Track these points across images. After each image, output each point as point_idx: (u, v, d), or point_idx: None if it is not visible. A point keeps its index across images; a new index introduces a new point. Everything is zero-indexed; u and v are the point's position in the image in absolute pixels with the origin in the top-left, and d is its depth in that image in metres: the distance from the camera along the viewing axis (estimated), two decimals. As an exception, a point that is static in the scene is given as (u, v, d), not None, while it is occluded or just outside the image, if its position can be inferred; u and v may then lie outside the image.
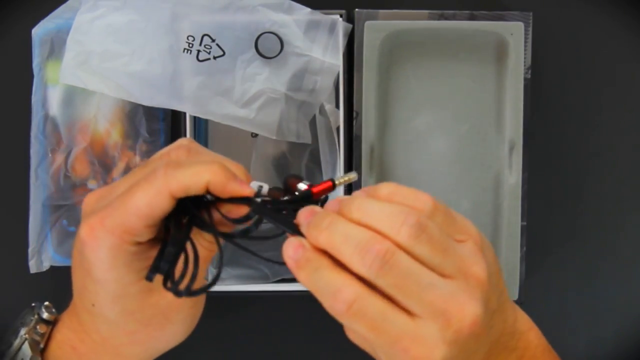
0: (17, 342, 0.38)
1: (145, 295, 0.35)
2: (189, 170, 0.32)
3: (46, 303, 0.40)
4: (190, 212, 0.33)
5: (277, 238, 0.54)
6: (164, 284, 0.32)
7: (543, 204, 0.55)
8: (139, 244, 0.33)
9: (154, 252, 0.34)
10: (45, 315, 0.40)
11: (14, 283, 0.54)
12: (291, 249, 0.32)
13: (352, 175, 0.35)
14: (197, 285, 0.32)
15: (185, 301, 0.36)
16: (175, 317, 0.37)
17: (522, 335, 0.37)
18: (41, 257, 0.52)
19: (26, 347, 0.38)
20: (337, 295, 0.31)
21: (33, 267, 0.52)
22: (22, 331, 0.38)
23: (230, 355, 0.56)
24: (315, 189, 0.34)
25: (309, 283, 0.32)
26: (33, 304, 0.40)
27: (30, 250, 0.51)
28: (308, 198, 0.34)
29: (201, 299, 0.38)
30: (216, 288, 0.50)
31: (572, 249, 0.56)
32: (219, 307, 0.55)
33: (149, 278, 0.32)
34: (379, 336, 0.31)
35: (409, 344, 0.31)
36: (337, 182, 0.34)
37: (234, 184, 0.33)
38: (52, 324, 0.39)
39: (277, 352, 0.56)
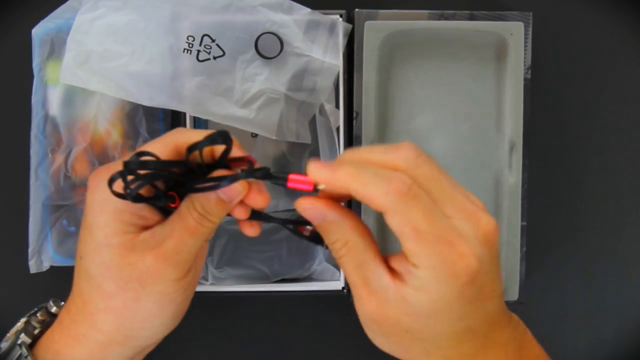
0: (15, 326, 0.39)
1: (125, 251, 0.35)
2: (195, 132, 0.36)
3: (54, 299, 0.41)
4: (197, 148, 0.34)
5: (275, 239, 0.53)
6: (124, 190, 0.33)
7: (543, 204, 0.55)
8: None
9: (145, 212, 0.35)
10: (53, 309, 0.41)
11: (14, 283, 0.54)
12: (318, 164, 0.33)
13: None
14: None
15: (163, 271, 0.35)
16: (151, 289, 0.35)
17: (519, 327, 0.37)
18: (41, 257, 0.52)
19: (21, 328, 0.39)
20: (394, 179, 0.32)
21: (33, 267, 0.51)
22: (23, 318, 0.40)
23: (230, 355, 0.56)
24: (292, 177, 0.34)
25: (353, 177, 0.32)
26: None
27: (30, 250, 0.51)
28: (283, 181, 0.35)
29: (184, 289, 0.37)
30: (216, 288, 0.51)
31: (572, 249, 0.56)
32: (219, 307, 0.55)
33: (109, 182, 0.33)
34: (430, 225, 0.31)
35: (454, 238, 0.32)
36: (320, 186, 0.34)
37: (235, 147, 0.35)
38: (56, 316, 0.40)
39: (276, 353, 0.56)
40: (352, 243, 0.34)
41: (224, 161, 0.35)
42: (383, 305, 0.33)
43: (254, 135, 0.53)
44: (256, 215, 0.37)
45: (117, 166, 0.33)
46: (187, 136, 0.36)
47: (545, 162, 0.55)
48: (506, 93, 0.52)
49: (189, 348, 0.56)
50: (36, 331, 0.39)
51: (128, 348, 0.37)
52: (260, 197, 0.36)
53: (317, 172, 0.33)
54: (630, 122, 0.56)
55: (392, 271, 0.34)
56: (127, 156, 0.33)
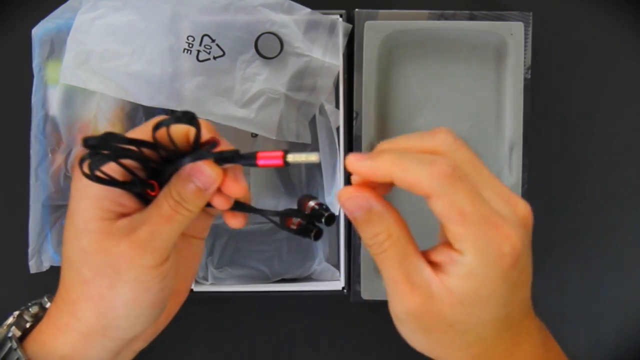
0: (8, 320, 0.39)
1: (102, 236, 0.35)
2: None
3: (49, 295, 0.40)
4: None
5: (275, 239, 0.53)
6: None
7: (543, 204, 0.55)
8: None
9: (125, 200, 0.35)
10: (48, 305, 0.40)
11: (14, 283, 0.54)
12: (358, 155, 0.33)
13: (312, 156, 0.34)
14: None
15: (137, 257, 0.35)
16: (126, 276, 0.35)
17: (542, 323, 0.37)
18: (41, 257, 0.52)
19: (12, 321, 0.38)
20: (437, 163, 0.32)
21: (33, 267, 0.51)
22: (16, 312, 0.39)
23: (230, 354, 0.56)
24: (261, 154, 0.34)
25: (395, 165, 0.32)
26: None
27: (30, 250, 0.51)
28: (252, 160, 0.35)
29: (161, 278, 0.36)
30: (216, 288, 0.51)
31: (572, 249, 0.57)
32: (219, 306, 0.56)
33: (79, 162, 0.33)
34: (475, 207, 0.31)
35: (498, 220, 0.32)
36: (291, 157, 0.34)
37: (205, 130, 0.35)
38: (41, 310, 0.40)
39: (276, 352, 0.56)
40: (395, 236, 0.34)
41: (197, 145, 0.35)
42: (426, 300, 0.33)
43: (254, 136, 0.53)
44: (239, 206, 0.37)
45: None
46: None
47: (545, 163, 0.55)
48: (506, 93, 0.52)
49: (189, 347, 0.56)
50: (28, 325, 0.39)
51: (108, 339, 0.37)
52: (235, 185, 0.36)
53: (358, 163, 0.33)
54: (630, 122, 0.56)
55: (432, 265, 0.33)
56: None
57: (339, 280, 0.52)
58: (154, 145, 0.34)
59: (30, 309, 0.40)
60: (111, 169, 0.34)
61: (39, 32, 0.51)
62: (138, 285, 0.35)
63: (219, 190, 0.36)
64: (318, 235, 0.38)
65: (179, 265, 0.41)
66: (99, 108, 0.51)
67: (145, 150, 0.34)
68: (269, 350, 0.56)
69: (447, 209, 0.31)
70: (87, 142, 0.31)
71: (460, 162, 0.32)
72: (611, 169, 0.56)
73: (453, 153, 0.33)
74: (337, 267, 0.53)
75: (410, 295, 0.33)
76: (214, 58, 0.50)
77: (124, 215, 0.36)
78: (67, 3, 0.51)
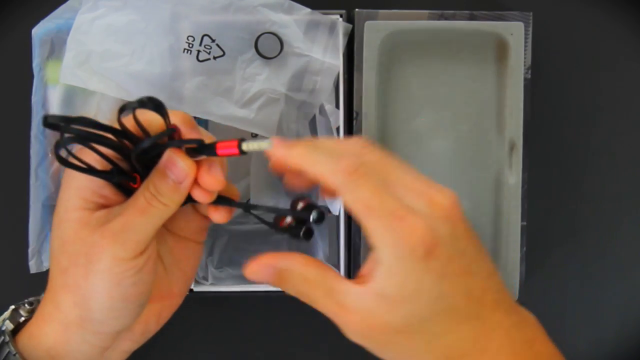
0: (3, 315, 0.40)
1: (79, 225, 0.35)
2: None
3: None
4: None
5: (275, 239, 0.54)
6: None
7: (543, 204, 0.55)
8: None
9: (106, 192, 0.36)
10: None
11: (14, 283, 0.53)
12: (279, 140, 0.34)
13: (264, 144, 0.35)
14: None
15: (108, 247, 0.35)
16: (97, 266, 0.35)
17: (528, 319, 0.37)
18: (41, 257, 0.51)
19: (7, 315, 0.39)
20: (343, 159, 0.33)
21: (33, 267, 0.51)
22: (12, 306, 0.40)
23: (230, 353, 0.56)
24: (220, 144, 0.35)
25: (305, 156, 0.34)
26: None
27: (30, 250, 0.51)
28: (212, 149, 0.35)
29: (134, 272, 0.36)
30: (216, 288, 0.51)
31: (572, 248, 0.56)
32: (219, 306, 0.56)
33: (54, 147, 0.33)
34: (381, 202, 0.32)
35: (404, 213, 0.32)
36: (245, 146, 0.34)
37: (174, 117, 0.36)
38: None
39: (276, 351, 0.56)
40: (311, 277, 0.35)
41: (166, 134, 0.35)
42: (365, 316, 0.33)
43: (254, 135, 0.53)
44: (222, 200, 0.37)
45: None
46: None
47: (546, 163, 0.56)
48: (506, 93, 0.52)
49: (188, 346, 0.56)
50: (22, 319, 0.39)
51: (86, 331, 0.37)
52: (210, 177, 0.36)
53: (276, 147, 0.35)
54: (630, 122, 0.56)
55: (360, 279, 0.34)
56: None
57: None
58: (122, 132, 0.34)
59: (26, 305, 0.40)
60: (94, 159, 0.35)
61: (39, 32, 0.51)
62: (110, 276, 0.35)
63: (197, 184, 0.36)
64: (308, 234, 0.38)
65: (173, 267, 0.41)
66: (99, 108, 0.51)
67: (123, 140, 0.35)
68: (269, 349, 0.56)
69: (353, 204, 0.33)
70: (46, 119, 0.31)
71: (369, 162, 0.34)
72: (611, 168, 0.56)
73: (363, 155, 0.34)
74: (337, 266, 0.53)
75: (350, 318, 0.34)
76: (214, 58, 0.50)
77: (104, 206, 0.36)
78: (67, 3, 0.50)
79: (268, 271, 0.36)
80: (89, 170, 0.35)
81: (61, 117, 0.32)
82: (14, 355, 0.36)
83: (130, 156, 0.36)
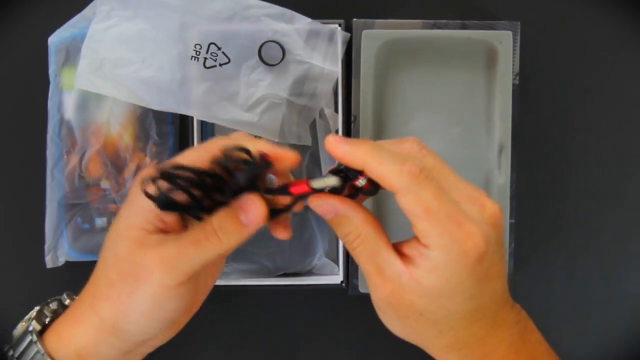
0: (28, 315, 0.39)
1: (135, 245, 0.35)
2: (231, 139, 0.36)
3: (68, 292, 0.41)
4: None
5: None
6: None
7: (530, 202, 0.55)
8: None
9: (167, 217, 0.35)
10: (67, 302, 0.42)
11: (31, 277, 0.54)
12: (339, 138, 0.34)
13: (330, 180, 0.35)
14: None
15: (157, 274, 0.34)
16: (143, 288, 0.35)
17: (522, 313, 0.38)
18: (57, 253, 0.52)
19: (32, 315, 0.39)
20: (408, 162, 0.33)
21: (49, 262, 0.52)
22: (37, 307, 0.40)
23: (235, 344, 0.56)
24: (292, 189, 0.35)
25: (371, 154, 0.33)
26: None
27: (46, 246, 0.52)
28: (286, 190, 0.35)
29: (177, 299, 0.36)
30: (223, 282, 0.52)
31: (557, 245, 0.56)
32: (226, 299, 0.56)
33: (141, 181, 0.33)
34: (440, 205, 0.32)
35: (462, 218, 0.33)
36: (313, 184, 0.35)
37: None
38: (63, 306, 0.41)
39: (279, 342, 0.56)
40: (364, 235, 0.35)
41: (250, 182, 0.34)
42: (397, 290, 0.34)
43: (258, 138, 0.53)
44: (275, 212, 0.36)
45: (159, 166, 0.33)
46: (223, 145, 0.35)
47: (533, 163, 0.56)
48: (496, 98, 0.52)
49: (194, 338, 0.56)
50: (47, 320, 0.39)
51: (116, 339, 0.37)
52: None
53: (337, 145, 0.34)
54: (611, 125, 0.56)
55: (403, 257, 0.34)
56: (162, 163, 0.34)
57: (337, 274, 0.52)
58: (217, 176, 0.34)
59: (50, 305, 0.40)
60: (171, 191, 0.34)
61: (54, 40, 0.52)
62: (153, 300, 0.35)
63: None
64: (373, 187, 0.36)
65: (202, 281, 0.41)
66: (111, 112, 0.52)
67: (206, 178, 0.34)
68: (272, 341, 0.56)
69: (413, 206, 0.33)
70: (162, 174, 0.32)
71: (428, 165, 0.34)
72: (594, 169, 0.56)
73: (422, 158, 0.34)
74: (336, 262, 0.53)
75: (383, 286, 0.34)
76: (220, 65, 0.50)
77: (163, 231, 0.36)
78: (82, 13, 0.51)
79: (329, 209, 0.35)
80: (177, 207, 0.34)
81: (171, 170, 0.32)
82: (42, 354, 0.37)
83: (207, 192, 0.35)
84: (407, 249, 0.34)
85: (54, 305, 0.41)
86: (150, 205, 0.34)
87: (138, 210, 0.35)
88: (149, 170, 0.34)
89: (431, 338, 0.36)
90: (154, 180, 0.32)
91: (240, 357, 0.57)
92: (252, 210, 0.34)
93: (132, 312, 0.35)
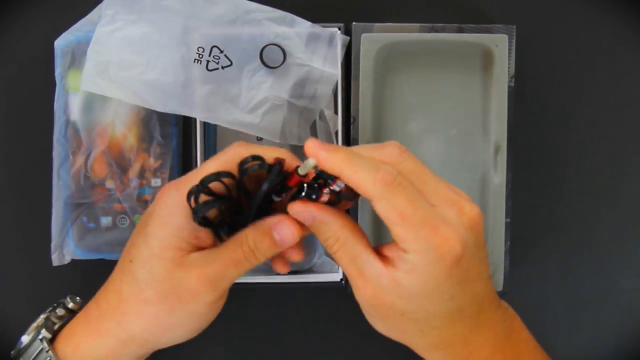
0: (35, 322, 0.40)
1: (174, 266, 0.35)
2: (256, 147, 0.36)
3: (71, 295, 0.41)
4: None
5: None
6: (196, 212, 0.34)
7: (525, 202, 0.56)
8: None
9: (201, 234, 0.36)
10: (70, 305, 0.41)
11: (38, 275, 0.54)
12: (317, 142, 0.34)
13: (310, 162, 0.35)
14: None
15: (202, 292, 0.35)
16: (186, 306, 0.36)
17: (508, 312, 0.38)
18: (63, 251, 0.52)
19: (41, 323, 0.39)
20: (381, 169, 0.33)
21: (55, 261, 0.52)
22: (43, 314, 0.40)
23: (237, 340, 0.56)
24: (290, 182, 0.36)
25: (346, 162, 0.33)
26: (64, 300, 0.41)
27: (53, 244, 0.52)
28: (286, 187, 0.36)
29: (215, 310, 0.37)
30: None
31: (552, 243, 0.57)
32: (228, 296, 0.53)
33: (188, 195, 0.34)
34: (415, 211, 0.32)
35: (438, 222, 0.33)
36: (301, 170, 0.35)
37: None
38: (74, 312, 0.40)
39: (280, 338, 0.57)
40: (343, 239, 0.35)
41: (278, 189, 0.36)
42: (378, 291, 0.34)
43: (259, 139, 0.53)
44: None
45: (187, 181, 0.34)
46: (249, 151, 0.36)
47: (528, 164, 0.56)
48: (491, 100, 0.52)
49: (197, 335, 0.56)
50: (56, 326, 0.39)
51: (143, 349, 0.38)
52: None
53: (315, 149, 0.34)
54: (604, 125, 0.57)
55: (384, 259, 0.35)
56: (200, 174, 0.34)
57: (337, 272, 0.52)
58: (243, 189, 0.35)
59: (56, 311, 0.40)
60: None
61: (60, 43, 0.52)
62: (194, 315, 0.36)
63: (281, 255, 0.38)
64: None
65: None
66: (116, 113, 0.52)
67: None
68: (273, 336, 0.57)
69: (387, 212, 0.33)
70: (199, 189, 0.33)
71: (405, 172, 0.34)
72: (588, 168, 0.57)
73: (398, 165, 0.34)
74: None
75: (364, 287, 0.35)
76: (222, 67, 0.50)
77: (198, 248, 0.36)
78: (87, 17, 0.51)
79: (307, 216, 0.35)
80: (211, 224, 0.35)
81: (211, 179, 0.33)
82: None
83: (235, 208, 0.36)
84: (387, 251, 0.35)
85: (60, 312, 0.41)
86: (185, 223, 0.35)
87: (172, 231, 0.36)
88: (178, 183, 0.35)
89: (414, 337, 0.36)
90: (194, 194, 0.33)
91: (240, 352, 0.57)
92: (284, 229, 0.36)
93: (171, 327, 0.37)
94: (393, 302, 0.34)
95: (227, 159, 0.36)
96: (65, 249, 0.53)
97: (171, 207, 0.35)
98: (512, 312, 0.39)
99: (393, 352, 0.55)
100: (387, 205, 0.33)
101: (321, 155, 0.34)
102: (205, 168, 0.36)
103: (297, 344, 0.57)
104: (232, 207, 0.36)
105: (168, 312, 0.36)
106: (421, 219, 0.33)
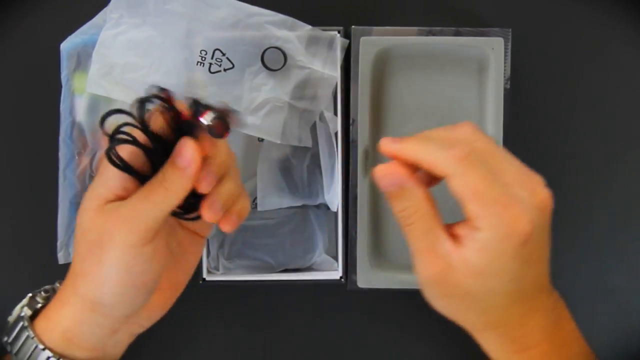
0: (22, 302, 0.39)
1: (96, 214, 0.35)
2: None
3: (60, 280, 0.40)
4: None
5: (280, 233, 0.54)
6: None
7: None
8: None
9: (129, 185, 0.35)
10: (57, 285, 0.41)
11: (44, 272, 0.51)
12: (391, 139, 0.35)
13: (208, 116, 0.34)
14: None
15: (118, 234, 0.34)
16: (109, 253, 0.34)
17: (559, 301, 0.39)
18: (69, 250, 0.53)
19: (25, 302, 0.39)
20: (454, 147, 0.33)
21: (61, 259, 0.53)
22: (29, 294, 0.40)
23: (238, 337, 0.57)
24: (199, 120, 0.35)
25: (417, 147, 0.34)
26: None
27: (59, 243, 0.52)
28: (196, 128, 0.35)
29: (144, 260, 0.36)
30: (226, 277, 0.52)
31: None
32: (229, 294, 0.56)
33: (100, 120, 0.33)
34: (489, 188, 0.32)
35: (510, 201, 0.33)
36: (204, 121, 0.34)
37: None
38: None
39: (280, 335, 0.57)
40: (424, 210, 0.35)
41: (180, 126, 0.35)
42: (446, 269, 0.34)
43: (261, 140, 0.54)
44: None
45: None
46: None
47: (523, 163, 0.56)
48: (488, 101, 0.53)
49: (200, 331, 0.56)
50: (38, 305, 0.39)
51: (98, 315, 0.36)
52: (206, 179, 0.35)
53: (389, 144, 0.35)
54: (597, 127, 0.57)
55: (454, 237, 0.35)
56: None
57: (337, 270, 0.53)
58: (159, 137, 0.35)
59: (42, 292, 0.40)
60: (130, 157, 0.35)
61: (66, 46, 0.52)
62: (121, 263, 0.34)
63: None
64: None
65: (180, 258, 0.41)
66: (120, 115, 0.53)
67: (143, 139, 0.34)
68: (273, 333, 0.57)
69: (462, 188, 0.33)
70: (118, 139, 0.33)
71: (478, 149, 0.34)
72: (581, 168, 0.57)
73: (471, 143, 0.34)
74: (336, 258, 0.54)
75: (432, 264, 0.35)
76: (224, 70, 0.51)
77: (123, 198, 0.35)
78: (92, 20, 0.52)
79: (395, 180, 0.35)
80: (125, 168, 0.35)
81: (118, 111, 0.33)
82: (32, 338, 0.36)
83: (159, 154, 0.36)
84: (458, 230, 0.35)
85: (46, 292, 0.41)
86: (112, 175, 0.35)
87: (100, 182, 0.35)
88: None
89: (473, 316, 0.36)
90: (114, 143, 0.33)
91: (240, 350, 0.57)
92: (185, 152, 0.34)
93: (105, 281, 0.35)
94: (459, 281, 0.34)
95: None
96: (71, 247, 0.53)
97: (104, 166, 0.35)
98: (562, 301, 0.39)
99: (391, 348, 0.57)
100: (461, 181, 0.33)
101: (396, 147, 0.35)
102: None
103: (297, 342, 0.57)
104: (154, 153, 0.35)
105: (97, 263, 0.35)
106: (494, 197, 0.33)
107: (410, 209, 0.35)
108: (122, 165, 0.35)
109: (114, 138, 0.34)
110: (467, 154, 0.33)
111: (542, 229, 0.34)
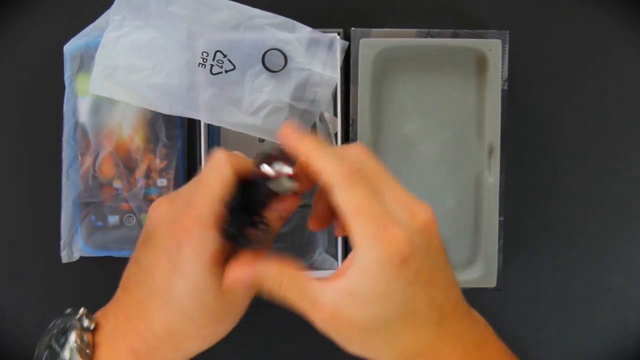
0: (67, 353, 0.36)
1: (220, 293, 0.36)
2: (238, 156, 0.37)
3: (81, 310, 0.38)
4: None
5: (281, 232, 0.54)
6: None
7: (518, 201, 0.56)
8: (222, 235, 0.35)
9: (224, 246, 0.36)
10: (85, 323, 0.38)
11: (48, 271, 0.55)
12: (291, 128, 0.35)
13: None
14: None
15: (243, 299, 0.37)
16: (230, 314, 0.37)
17: (479, 323, 0.37)
18: (72, 249, 0.53)
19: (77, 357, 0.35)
20: (346, 161, 0.34)
21: (65, 258, 0.53)
22: (71, 338, 0.36)
23: (238, 335, 0.52)
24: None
25: (313, 148, 0.34)
26: (67, 311, 0.38)
27: (62, 242, 0.53)
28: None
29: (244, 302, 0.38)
30: None
31: (544, 241, 0.57)
32: None
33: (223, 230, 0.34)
34: (369, 206, 0.33)
35: (387, 221, 0.33)
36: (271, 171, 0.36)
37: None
38: (93, 330, 0.38)
39: (279, 333, 0.57)
40: (285, 282, 0.35)
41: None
42: (334, 311, 0.33)
43: (261, 140, 0.54)
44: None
45: (178, 196, 0.35)
46: (239, 161, 0.36)
47: (521, 164, 0.56)
48: (486, 102, 0.53)
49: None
50: (87, 350, 0.36)
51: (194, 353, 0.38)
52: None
53: (288, 133, 0.35)
54: (594, 128, 0.57)
55: (332, 276, 0.34)
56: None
57: (337, 269, 0.51)
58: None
59: (84, 337, 0.37)
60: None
61: (69, 48, 0.52)
62: (233, 320, 0.38)
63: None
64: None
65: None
66: (123, 116, 0.53)
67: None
68: (273, 332, 0.57)
69: (345, 203, 0.33)
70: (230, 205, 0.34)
71: (366, 169, 0.34)
72: (579, 169, 0.57)
73: (362, 162, 0.35)
74: (336, 257, 0.54)
75: (321, 313, 0.34)
76: (226, 71, 0.51)
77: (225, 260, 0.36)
78: (95, 23, 0.52)
79: (244, 279, 0.35)
80: (245, 242, 0.35)
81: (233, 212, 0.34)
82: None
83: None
84: (341, 266, 0.35)
85: (88, 337, 0.37)
86: (217, 248, 0.35)
87: (208, 266, 0.36)
88: (170, 198, 0.35)
89: (381, 351, 0.35)
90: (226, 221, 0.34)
91: (240, 350, 0.57)
92: (231, 273, 0.36)
93: (215, 335, 0.38)
94: (351, 317, 0.33)
95: (224, 169, 0.36)
96: (74, 246, 0.54)
97: (200, 242, 0.35)
98: (483, 321, 0.38)
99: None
100: (346, 196, 0.33)
101: (293, 137, 0.35)
102: (207, 186, 0.35)
103: (297, 341, 0.57)
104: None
105: (219, 323, 0.38)
106: (375, 215, 0.33)
107: (275, 285, 0.35)
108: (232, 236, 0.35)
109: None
110: (355, 171, 0.33)
111: (426, 250, 0.33)
